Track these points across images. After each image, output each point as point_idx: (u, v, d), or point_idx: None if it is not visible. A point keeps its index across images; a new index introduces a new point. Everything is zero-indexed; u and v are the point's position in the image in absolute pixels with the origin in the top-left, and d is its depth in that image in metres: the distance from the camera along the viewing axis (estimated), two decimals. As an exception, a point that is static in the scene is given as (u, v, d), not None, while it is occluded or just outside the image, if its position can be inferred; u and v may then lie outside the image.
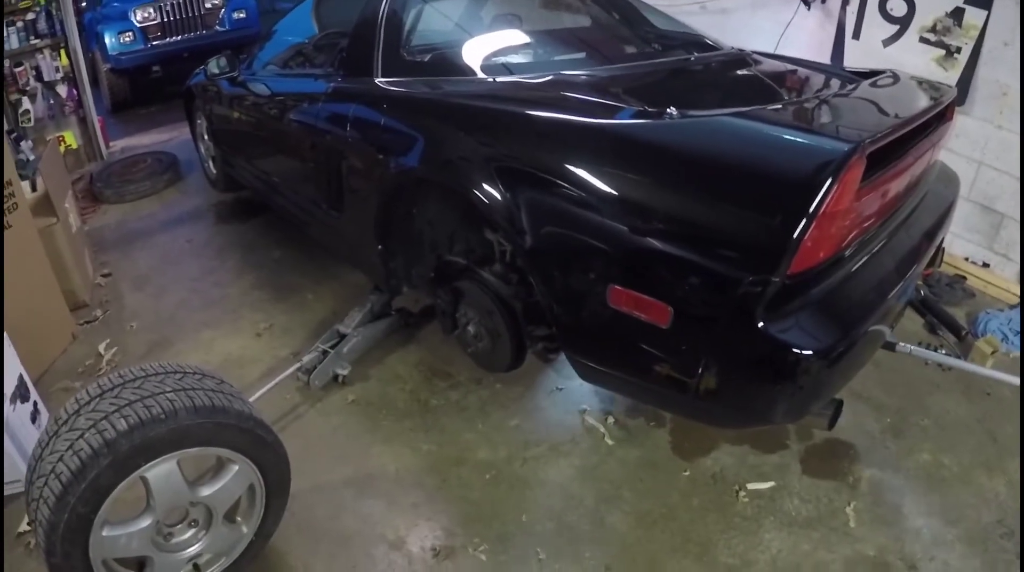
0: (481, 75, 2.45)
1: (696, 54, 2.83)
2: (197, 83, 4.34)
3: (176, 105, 5.22)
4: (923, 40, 3.45)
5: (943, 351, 2.88)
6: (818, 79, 2.64)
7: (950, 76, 3.35)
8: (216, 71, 3.67)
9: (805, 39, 3.95)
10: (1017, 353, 3.05)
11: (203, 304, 3.41)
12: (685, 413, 2.11)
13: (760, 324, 1.62)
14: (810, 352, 1.62)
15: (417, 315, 3.14)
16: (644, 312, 1.77)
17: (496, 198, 2.03)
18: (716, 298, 1.68)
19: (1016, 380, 2.33)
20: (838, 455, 2.45)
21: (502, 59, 2.63)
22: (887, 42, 3.60)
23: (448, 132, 2.25)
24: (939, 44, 3.39)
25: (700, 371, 1.74)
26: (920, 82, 2.47)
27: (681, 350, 1.77)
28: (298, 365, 2.70)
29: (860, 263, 1.91)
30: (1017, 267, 3.42)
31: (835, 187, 1.53)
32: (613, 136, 1.91)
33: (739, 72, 2.74)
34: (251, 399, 2.15)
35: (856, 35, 3.74)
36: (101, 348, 3.07)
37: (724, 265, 1.66)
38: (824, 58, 3.84)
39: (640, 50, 2.98)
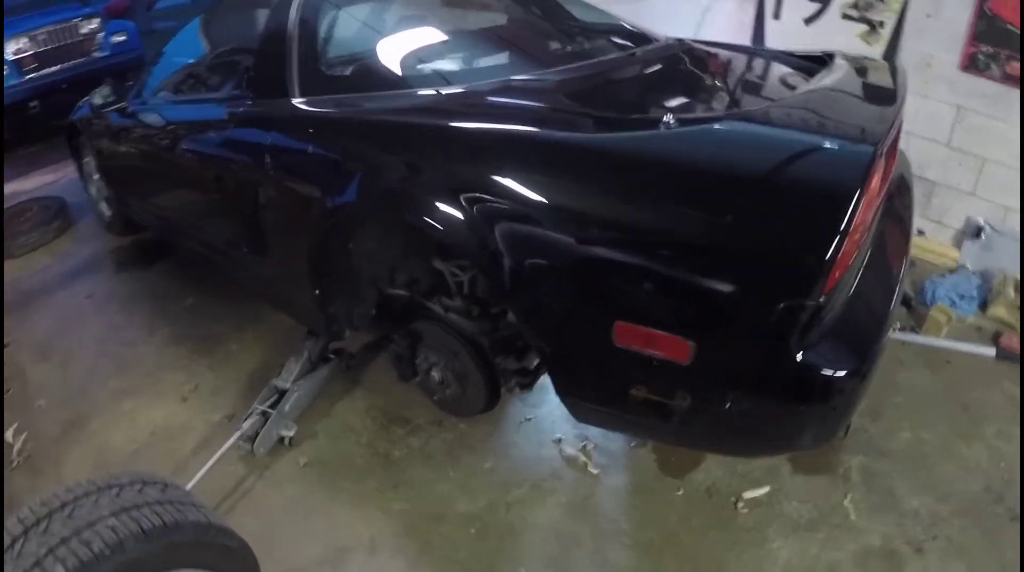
0: (423, 86, 2.18)
1: (637, 48, 2.63)
2: (81, 117, 3.93)
3: (59, 142, 4.76)
4: (846, 16, 3.48)
5: (898, 324, 2.90)
6: (781, 70, 2.52)
7: (875, 51, 3.39)
8: (101, 102, 3.30)
9: (724, 21, 3.93)
10: (968, 317, 3.11)
11: (116, 369, 3.04)
12: (705, 448, 2.02)
13: (797, 352, 1.50)
14: (844, 373, 1.52)
15: (357, 355, 2.86)
16: (659, 349, 1.59)
17: (464, 230, 1.78)
18: (745, 329, 1.53)
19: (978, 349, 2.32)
20: (824, 448, 2.36)
21: (442, 65, 2.37)
22: (809, 20, 3.62)
23: (394, 156, 1.99)
24: (862, 19, 3.43)
25: (728, 406, 1.59)
26: (871, 62, 2.42)
27: (704, 386, 1.62)
28: (238, 433, 2.40)
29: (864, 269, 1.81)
30: (951, 232, 3.52)
31: (864, 196, 1.41)
32: (604, 151, 1.70)
33: (698, 67, 2.57)
34: (190, 484, 1.93)
35: (777, 15, 3.74)
36: (9, 435, 2.68)
37: (752, 292, 1.50)
38: (744, 40, 3.83)
39: (578, 48, 2.72)
